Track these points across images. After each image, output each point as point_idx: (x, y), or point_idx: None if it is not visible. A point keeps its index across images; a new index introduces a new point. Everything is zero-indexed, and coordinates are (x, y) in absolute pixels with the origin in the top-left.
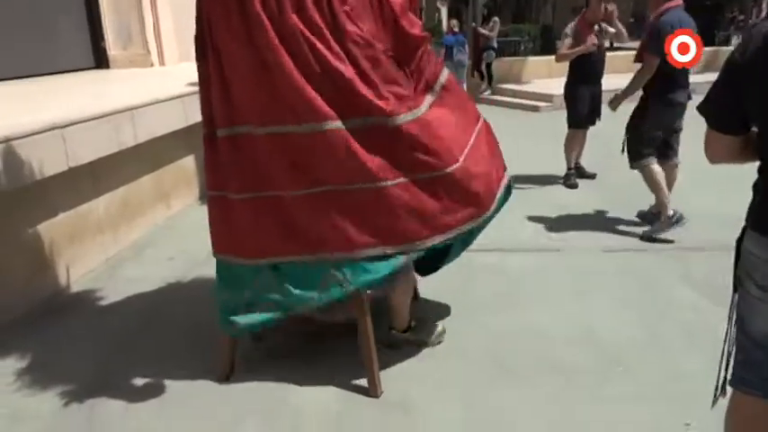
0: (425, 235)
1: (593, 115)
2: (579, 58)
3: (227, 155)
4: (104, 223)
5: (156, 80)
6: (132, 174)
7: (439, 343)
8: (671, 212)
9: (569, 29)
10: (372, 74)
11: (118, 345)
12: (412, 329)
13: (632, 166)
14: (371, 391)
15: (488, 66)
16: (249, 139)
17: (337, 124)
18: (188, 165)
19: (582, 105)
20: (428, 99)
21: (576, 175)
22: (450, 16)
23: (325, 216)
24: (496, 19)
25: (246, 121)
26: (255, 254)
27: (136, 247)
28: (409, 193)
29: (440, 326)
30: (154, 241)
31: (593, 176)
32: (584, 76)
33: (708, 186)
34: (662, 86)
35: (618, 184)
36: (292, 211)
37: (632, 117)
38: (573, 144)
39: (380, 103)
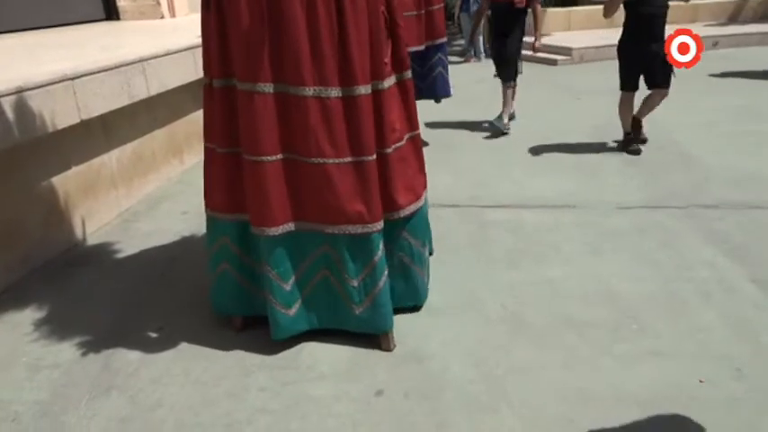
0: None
1: (647, 78)
2: (629, 12)
3: (221, 106)
4: (117, 177)
5: (166, 32)
6: (145, 127)
7: None
8: (506, 120)
9: None
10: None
11: (133, 297)
12: None
13: (509, 86)
14: (384, 346)
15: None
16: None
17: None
18: (201, 118)
19: (628, 66)
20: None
21: (634, 139)
22: None
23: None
24: None
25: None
26: (227, 209)
27: (149, 201)
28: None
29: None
30: (167, 195)
31: (643, 141)
32: (634, 33)
33: (723, 145)
34: (522, 25)
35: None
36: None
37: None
38: (624, 108)
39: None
